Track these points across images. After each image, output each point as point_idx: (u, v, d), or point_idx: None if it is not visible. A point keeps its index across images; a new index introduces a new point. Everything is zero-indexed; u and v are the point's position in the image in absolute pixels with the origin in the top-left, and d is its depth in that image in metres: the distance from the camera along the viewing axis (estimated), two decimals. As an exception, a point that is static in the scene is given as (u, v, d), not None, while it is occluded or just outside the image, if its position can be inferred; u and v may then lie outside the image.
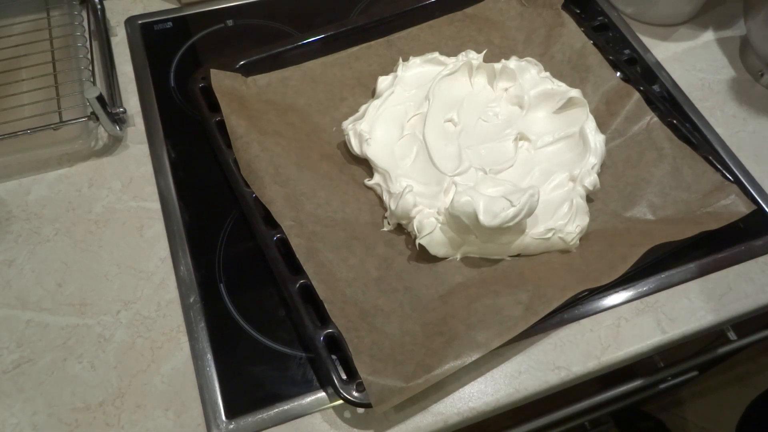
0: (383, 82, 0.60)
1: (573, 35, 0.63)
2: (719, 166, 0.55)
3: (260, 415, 0.45)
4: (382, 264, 0.50)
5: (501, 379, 0.47)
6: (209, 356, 0.48)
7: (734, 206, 0.52)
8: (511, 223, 0.48)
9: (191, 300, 0.50)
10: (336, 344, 0.45)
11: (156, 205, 0.56)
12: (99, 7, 0.67)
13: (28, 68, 0.61)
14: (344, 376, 0.44)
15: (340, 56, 0.63)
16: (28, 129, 0.55)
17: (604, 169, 0.56)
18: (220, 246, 0.53)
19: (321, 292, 0.47)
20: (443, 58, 0.61)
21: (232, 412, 0.45)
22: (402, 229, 0.53)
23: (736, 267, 0.53)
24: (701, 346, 0.68)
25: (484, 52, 0.61)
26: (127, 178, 0.57)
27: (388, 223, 0.53)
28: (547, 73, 0.60)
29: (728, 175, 0.55)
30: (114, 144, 0.59)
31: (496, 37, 0.66)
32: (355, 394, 0.43)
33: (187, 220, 0.55)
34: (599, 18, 0.71)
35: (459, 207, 0.48)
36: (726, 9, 0.74)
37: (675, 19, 0.72)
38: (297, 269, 0.48)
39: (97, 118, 0.56)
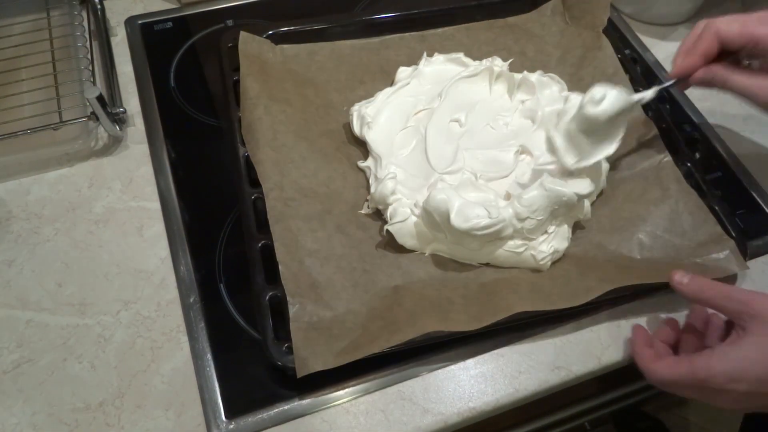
0: (402, 72, 0.61)
1: (607, 60, 0.62)
2: (719, 217, 0.53)
3: (260, 415, 0.45)
4: (349, 243, 0.51)
5: (501, 379, 0.47)
6: (209, 356, 0.48)
7: (726, 262, 0.50)
8: (479, 233, 0.48)
9: (191, 300, 0.50)
10: (281, 308, 0.46)
11: (156, 205, 0.56)
12: (99, 7, 0.67)
13: (28, 68, 0.61)
14: (282, 338, 0.45)
15: (371, 42, 0.63)
16: (28, 129, 0.55)
17: (603, 199, 0.55)
18: (220, 246, 0.53)
19: (280, 254, 0.48)
20: (467, 59, 0.61)
21: (232, 412, 0.45)
22: (379, 215, 0.53)
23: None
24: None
25: (510, 61, 0.61)
26: (127, 178, 0.57)
27: (368, 207, 0.53)
28: (569, 93, 0.58)
29: (727, 177, 0.55)
30: (114, 144, 0.60)
31: (530, 49, 0.65)
32: (281, 354, 0.45)
33: (187, 220, 0.55)
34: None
35: (433, 203, 0.48)
36: (725, 9, 0.74)
37: (674, 19, 0.72)
38: (266, 231, 0.49)
39: (97, 118, 0.56)
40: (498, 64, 0.60)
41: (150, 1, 0.71)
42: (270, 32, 0.62)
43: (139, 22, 0.69)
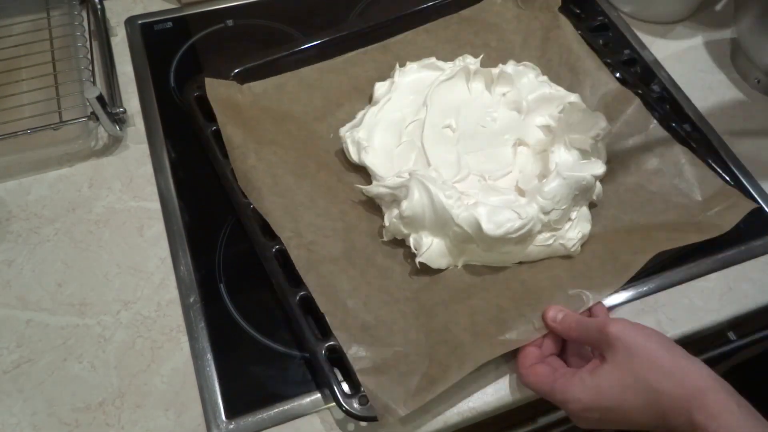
0: (380, 88, 0.60)
1: (570, 37, 0.63)
2: (719, 170, 0.54)
3: (260, 415, 0.45)
4: (382, 274, 0.50)
5: (501, 379, 0.47)
6: (209, 356, 0.48)
7: (735, 209, 0.52)
8: (514, 235, 0.48)
9: (191, 300, 0.50)
10: (339, 356, 0.45)
11: (156, 205, 0.55)
12: (99, 7, 0.67)
13: (28, 68, 0.61)
14: (347, 390, 0.44)
15: (336, 62, 0.62)
16: (28, 129, 0.55)
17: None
18: (220, 246, 0.53)
19: (322, 304, 0.46)
20: (440, 63, 0.61)
21: (232, 412, 0.45)
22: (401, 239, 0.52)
23: (736, 267, 0.53)
24: (701, 346, 0.68)
25: (481, 56, 0.61)
26: (127, 178, 0.57)
27: (387, 235, 0.52)
28: (545, 77, 0.59)
29: (727, 177, 0.55)
30: (114, 144, 0.59)
31: (492, 40, 0.65)
32: (356, 407, 0.43)
33: (187, 220, 0.55)
34: (599, 18, 0.71)
35: (462, 218, 0.48)
36: (724, 8, 0.74)
37: (673, 17, 0.72)
38: (297, 281, 0.48)
39: (97, 118, 0.56)
40: (471, 62, 0.60)
41: (150, 1, 0.71)
42: (235, 71, 0.60)
43: (139, 22, 0.69)
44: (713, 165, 0.55)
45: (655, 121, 0.57)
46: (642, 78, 0.65)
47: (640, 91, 0.59)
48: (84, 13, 0.66)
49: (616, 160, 0.56)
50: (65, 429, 0.45)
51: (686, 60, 0.69)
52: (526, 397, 0.47)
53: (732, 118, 0.64)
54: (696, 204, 0.53)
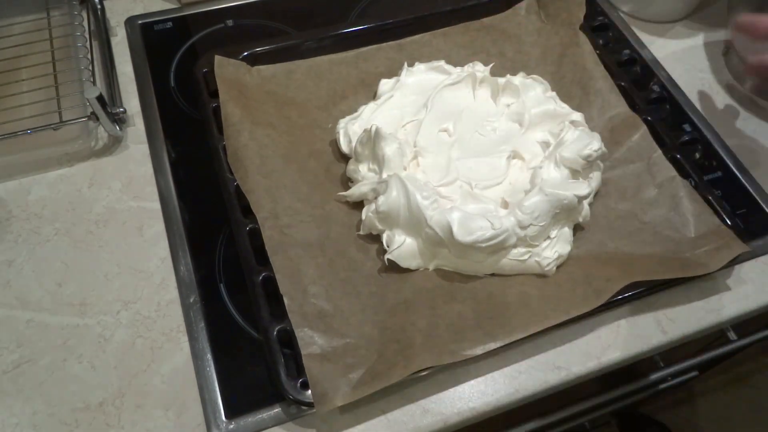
0: (385, 85, 0.60)
1: (586, 57, 0.62)
2: (718, 208, 0.53)
3: (260, 415, 0.45)
4: (351, 266, 0.50)
5: (501, 379, 0.47)
6: (209, 356, 0.48)
7: (726, 250, 0.50)
8: (485, 244, 0.47)
9: (191, 300, 0.50)
10: (292, 341, 0.45)
11: (156, 205, 0.56)
12: (99, 7, 0.67)
13: (28, 68, 0.61)
14: (293, 373, 0.44)
15: (349, 55, 0.62)
16: (28, 129, 0.55)
17: (597, 198, 0.55)
18: (220, 246, 0.53)
19: (283, 286, 0.47)
20: (449, 67, 0.60)
21: (232, 412, 0.45)
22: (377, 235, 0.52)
23: (735, 267, 0.53)
24: (701, 346, 0.68)
25: (491, 65, 0.61)
26: (127, 178, 0.57)
27: (363, 228, 0.52)
28: (553, 93, 0.59)
29: (726, 177, 0.55)
30: (114, 144, 0.60)
31: (509, 50, 0.65)
32: (296, 391, 0.43)
33: (187, 220, 0.55)
34: (599, 18, 0.71)
35: (434, 220, 0.48)
36: (721, 6, 0.74)
37: (672, 16, 0.72)
38: (265, 261, 0.48)
39: (97, 118, 0.56)
40: (480, 69, 0.60)
41: (150, 1, 0.71)
42: (245, 53, 0.61)
43: (139, 22, 0.69)
44: (713, 203, 0.54)
45: (659, 151, 0.56)
46: (642, 75, 0.65)
47: (649, 118, 0.58)
48: (84, 13, 0.66)
49: (614, 185, 0.55)
50: (65, 429, 0.45)
51: (686, 60, 0.69)
52: (525, 398, 0.47)
53: (732, 118, 0.64)
54: (687, 240, 0.52)
